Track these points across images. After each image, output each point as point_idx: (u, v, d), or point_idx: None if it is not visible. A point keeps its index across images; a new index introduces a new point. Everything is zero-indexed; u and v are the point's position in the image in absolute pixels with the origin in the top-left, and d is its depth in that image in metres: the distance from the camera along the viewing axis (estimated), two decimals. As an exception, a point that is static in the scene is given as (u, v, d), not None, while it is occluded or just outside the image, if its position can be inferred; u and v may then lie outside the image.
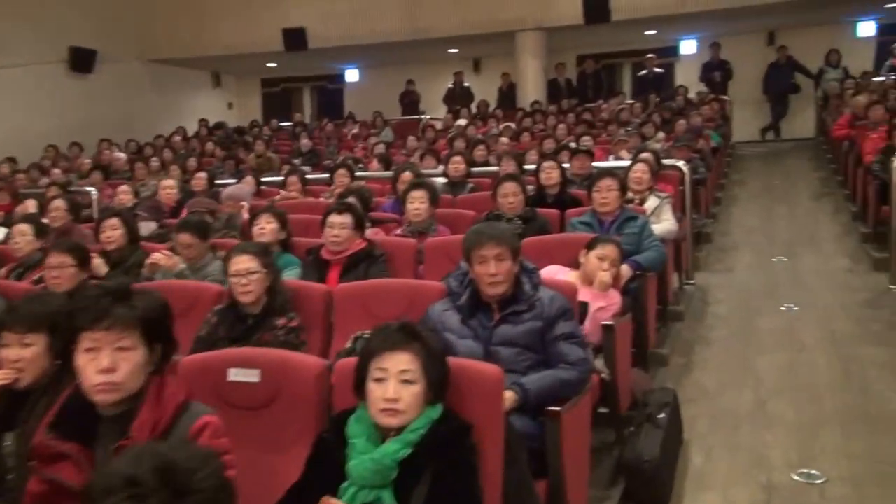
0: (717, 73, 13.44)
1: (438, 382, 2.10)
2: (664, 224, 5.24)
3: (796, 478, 3.41)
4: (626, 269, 4.17)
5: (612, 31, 13.38)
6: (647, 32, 14.29)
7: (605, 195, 4.55)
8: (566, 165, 6.38)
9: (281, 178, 7.47)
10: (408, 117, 14.27)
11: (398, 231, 4.74)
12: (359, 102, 15.59)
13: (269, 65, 15.84)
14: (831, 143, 10.81)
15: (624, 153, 7.94)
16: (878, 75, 12.42)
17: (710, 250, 7.73)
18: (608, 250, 3.68)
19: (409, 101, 14.74)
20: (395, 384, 2.03)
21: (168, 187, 6.57)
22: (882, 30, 14.06)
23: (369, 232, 4.74)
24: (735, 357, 4.90)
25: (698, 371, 4.66)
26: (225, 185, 6.76)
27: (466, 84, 14.70)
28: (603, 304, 3.48)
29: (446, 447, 2.01)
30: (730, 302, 6.10)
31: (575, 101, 13.35)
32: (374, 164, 8.33)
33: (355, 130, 12.47)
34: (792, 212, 9.08)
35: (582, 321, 3.45)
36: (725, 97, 13.06)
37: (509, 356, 2.71)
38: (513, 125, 11.09)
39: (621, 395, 3.34)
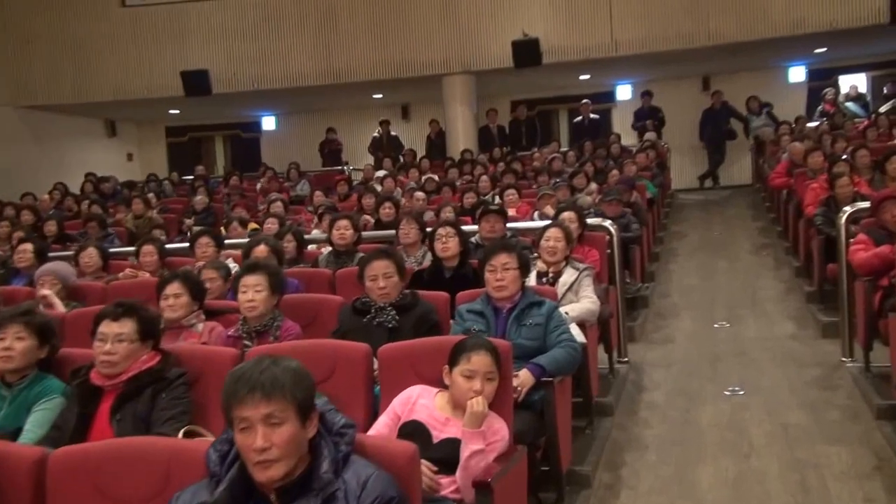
0: (648, 121, 12.91)
1: None
2: (583, 303, 4.36)
3: None
4: (525, 376, 3.27)
5: (544, 76, 12.86)
6: (581, 77, 13.84)
7: (501, 276, 3.58)
8: (473, 228, 5.51)
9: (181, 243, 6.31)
10: (329, 169, 13.36)
11: (230, 331, 3.71)
12: (277, 153, 14.70)
13: (172, 111, 14.59)
14: (769, 191, 10.35)
15: (549, 209, 7.10)
16: (811, 120, 12.24)
17: (647, 316, 6.99)
18: (477, 362, 2.69)
19: (330, 151, 13.80)
20: None
21: (-38, 267, 5.03)
22: (811, 75, 14.06)
23: (205, 326, 3.76)
24: (672, 468, 4.01)
25: (626, 495, 3.74)
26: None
27: (394, 133, 13.90)
28: (479, 447, 2.52)
29: None
30: (667, 385, 5.26)
31: (507, 149, 12.64)
32: (270, 225, 7.32)
33: (262, 184, 11.39)
34: (732, 267, 8.51)
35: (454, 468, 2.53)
36: (663, 143, 12.53)
37: None
38: (435, 177, 10.26)
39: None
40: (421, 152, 13.23)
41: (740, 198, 12.11)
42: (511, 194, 8.02)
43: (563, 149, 12.34)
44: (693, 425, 4.55)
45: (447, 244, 4.59)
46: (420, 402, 2.71)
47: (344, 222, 5.43)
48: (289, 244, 5.64)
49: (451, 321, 3.78)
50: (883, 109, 11.93)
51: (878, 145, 9.13)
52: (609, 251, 5.67)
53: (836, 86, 13.42)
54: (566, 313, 4.05)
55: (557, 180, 9.09)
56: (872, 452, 4.00)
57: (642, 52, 11.77)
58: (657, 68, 13.32)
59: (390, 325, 3.60)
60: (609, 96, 14.89)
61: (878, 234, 4.77)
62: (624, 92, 14.76)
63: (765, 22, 11.18)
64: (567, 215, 5.49)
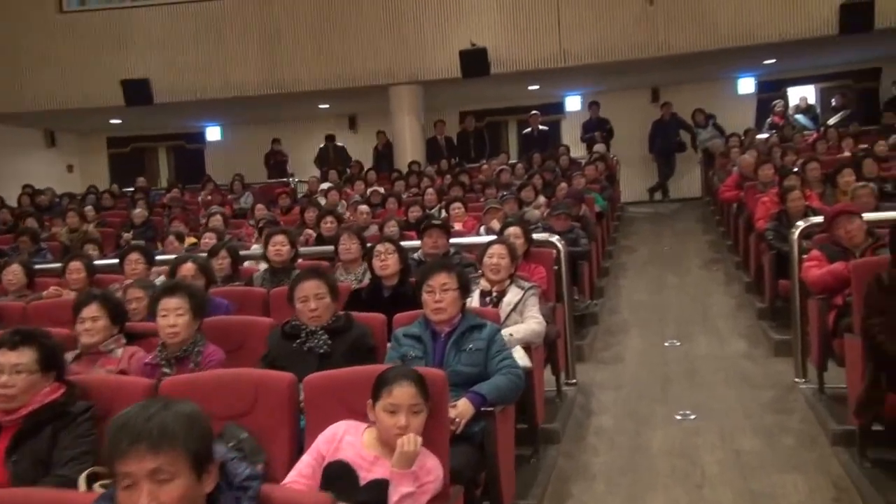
0: (597, 132, 12.84)
1: None
2: (528, 324, 4.13)
3: None
4: (464, 406, 3.02)
5: (493, 86, 12.71)
6: (530, 87, 13.72)
7: (440, 297, 3.33)
8: (415, 243, 5.27)
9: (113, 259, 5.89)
10: (274, 181, 13.00)
11: (148, 358, 3.41)
12: (221, 164, 14.26)
13: (113, 121, 14.08)
14: (719, 204, 10.30)
15: (495, 223, 6.89)
16: (760, 132, 12.26)
17: (596, 333, 6.81)
18: (400, 395, 2.45)
19: (276, 162, 13.45)
20: None
21: None
22: (761, 87, 14.10)
23: (125, 352, 3.45)
24: (621, 499, 3.79)
25: (572, 530, 3.53)
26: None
27: (341, 144, 13.61)
28: (409, 489, 2.27)
29: None
30: (617, 409, 5.06)
31: (455, 160, 12.44)
32: (208, 240, 6.96)
33: (204, 196, 10.99)
34: (683, 282, 8.39)
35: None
36: (612, 156, 12.45)
37: None
38: (381, 190, 10.00)
39: None
40: (368, 164, 12.96)
41: (690, 211, 12.07)
42: (457, 208, 7.80)
43: (512, 161, 12.19)
44: (643, 452, 4.35)
45: (386, 261, 4.33)
46: (346, 439, 2.45)
47: (280, 237, 5.12)
48: (223, 261, 5.31)
49: (388, 345, 3.53)
50: (831, 122, 12.03)
51: (827, 158, 9.17)
52: (556, 267, 5.47)
53: (785, 98, 13.52)
54: (510, 335, 3.84)
55: (505, 193, 8.91)
56: (830, 482, 3.83)
57: (591, 62, 11.69)
58: (606, 79, 13.27)
59: (321, 351, 3.33)
60: (558, 108, 14.81)
61: (831, 251, 4.63)
62: (573, 103, 14.69)
63: (715, 33, 11.19)
64: (512, 231, 5.28)
